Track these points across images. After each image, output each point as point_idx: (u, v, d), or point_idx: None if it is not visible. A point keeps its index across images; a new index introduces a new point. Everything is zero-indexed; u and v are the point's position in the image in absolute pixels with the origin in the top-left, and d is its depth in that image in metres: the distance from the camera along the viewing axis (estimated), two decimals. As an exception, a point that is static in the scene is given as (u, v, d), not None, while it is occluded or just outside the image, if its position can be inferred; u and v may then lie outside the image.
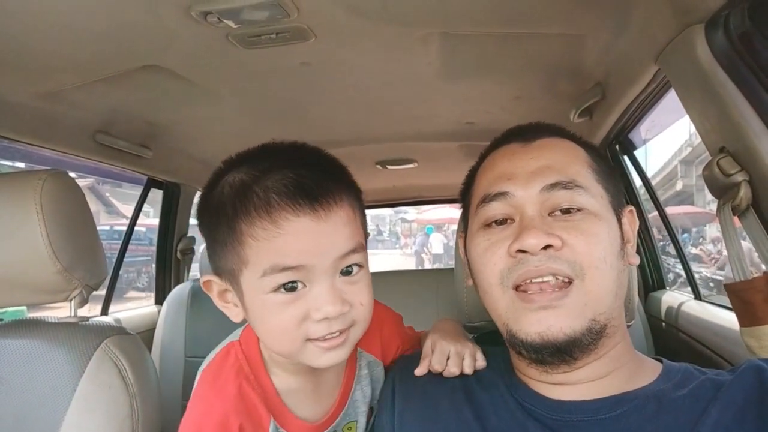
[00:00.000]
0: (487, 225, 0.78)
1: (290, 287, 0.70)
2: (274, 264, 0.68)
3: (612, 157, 1.83)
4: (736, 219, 0.89)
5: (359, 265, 0.74)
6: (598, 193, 0.75)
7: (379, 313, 0.91)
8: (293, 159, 0.74)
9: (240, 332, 0.87)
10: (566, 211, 0.73)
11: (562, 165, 0.76)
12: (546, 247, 0.70)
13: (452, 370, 0.85)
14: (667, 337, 1.65)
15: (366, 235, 0.79)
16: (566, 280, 0.70)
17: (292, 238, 0.68)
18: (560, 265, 0.69)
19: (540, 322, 0.69)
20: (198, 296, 2.15)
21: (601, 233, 0.72)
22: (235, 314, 0.77)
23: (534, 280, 0.70)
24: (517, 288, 0.72)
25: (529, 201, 0.74)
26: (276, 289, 0.69)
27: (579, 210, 0.73)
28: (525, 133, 0.83)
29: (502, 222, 0.76)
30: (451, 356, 0.86)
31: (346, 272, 0.73)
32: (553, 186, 0.74)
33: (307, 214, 0.68)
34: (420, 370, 0.86)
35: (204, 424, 0.76)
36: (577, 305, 0.69)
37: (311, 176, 0.70)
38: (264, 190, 0.69)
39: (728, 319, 1.30)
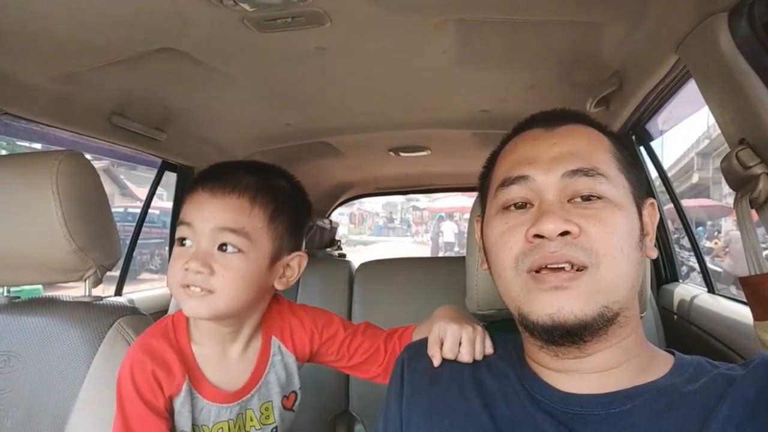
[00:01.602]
0: (506, 208, 0.77)
1: (182, 243, 0.95)
2: (180, 219, 0.96)
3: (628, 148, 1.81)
4: (753, 212, 0.87)
5: (237, 249, 0.93)
6: (620, 183, 0.74)
7: (292, 311, 1.11)
8: (234, 165, 1.02)
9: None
10: (586, 199, 0.72)
11: (585, 152, 0.75)
12: (564, 233, 0.69)
13: (465, 358, 0.84)
14: (679, 330, 1.64)
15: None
16: (581, 268, 0.69)
17: (194, 204, 0.96)
18: (576, 253, 0.68)
19: (552, 303, 0.68)
20: (210, 279, 2.17)
21: (620, 223, 0.71)
22: None
23: (549, 266, 0.69)
24: (530, 272, 0.71)
25: (549, 186, 0.73)
26: (177, 242, 0.96)
27: (599, 198, 0.72)
28: (548, 119, 0.82)
29: (521, 206, 0.75)
30: (463, 342, 0.86)
31: (223, 248, 0.92)
32: (575, 172, 0.72)
33: (207, 191, 0.95)
34: (437, 361, 0.86)
35: (124, 367, 0.95)
36: (589, 290, 0.68)
37: (223, 171, 0.99)
38: (197, 181, 1.00)
39: (742, 312, 1.29)
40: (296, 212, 1.04)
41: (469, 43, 1.30)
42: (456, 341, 0.86)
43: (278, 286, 1.03)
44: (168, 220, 2.56)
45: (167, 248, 2.57)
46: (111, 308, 1.10)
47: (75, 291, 1.22)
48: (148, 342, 0.98)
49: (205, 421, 0.98)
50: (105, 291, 1.75)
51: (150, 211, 2.42)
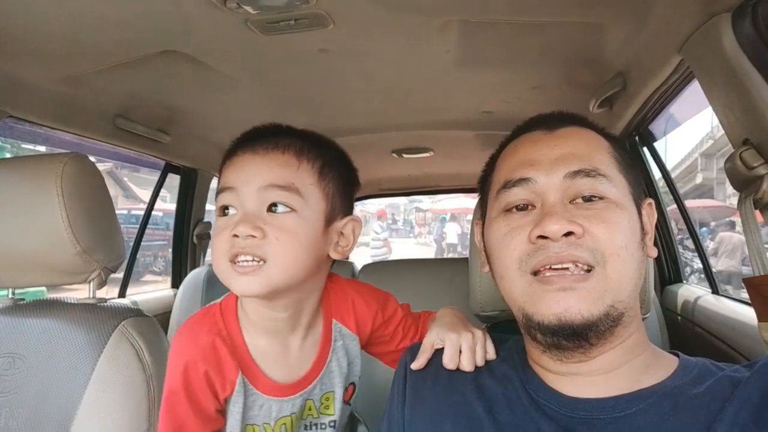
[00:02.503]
0: (507, 210, 0.77)
1: (225, 213, 0.85)
2: (221, 186, 0.86)
3: (631, 149, 1.81)
4: (757, 213, 0.87)
5: (289, 208, 0.83)
6: (620, 183, 0.74)
7: (353, 288, 1.02)
8: (267, 127, 0.93)
9: (223, 297, 0.96)
10: (588, 200, 0.72)
11: (586, 153, 0.75)
12: (567, 234, 0.69)
13: (467, 368, 0.83)
14: (683, 331, 1.64)
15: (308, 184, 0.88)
16: (587, 267, 0.69)
17: (234, 167, 0.86)
18: (581, 253, 0.69)
19: (558, 303, 0.68)
20: (213, 281, 2.17)
21: (623, 222, 0.71)
22: None
23: (554, 266, 0.69)
24: (535, 273, 0.71)
25: (551, 187, 0.73)
26: (220, 213, 0.86)
27: (601, 198, 0.72)
28: (548, 122, 0.82)
29: (522, 208, 0.75)
30: (463, 351, 0.84)
31: (272, 210, 0.83)
32: (576, 173, 0.73)
33: (248, 151, 0.86)
34: (416, 365, 0.85)
35: (173, 367, 0.87)
36: (596, 290, 0.68)
37: (261, 132, 0.90)
38: (235, 144, 0.90)
39: (745, 314, 1.29)
40: (346, 171, 0.94)
41: (472, 44, 1.30)
42: (455, 350, 0.85)
43: (334, 255, 0.92)
44: (171, 222, 2.57)
45: (170, 250, 2.58)
46: (115, 310, 1.11)
47: (78, 293, 1.22)
48: (198, 337, 0.88)
49: (266, 418, 0.91)
50: (108, 293, 1.76)
51: (153, 213, 2.43)
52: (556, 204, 0.72)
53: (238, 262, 0.81)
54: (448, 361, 0.84)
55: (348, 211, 0.94)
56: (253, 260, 0.81)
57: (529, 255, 0.72)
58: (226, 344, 0.88)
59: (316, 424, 0.98)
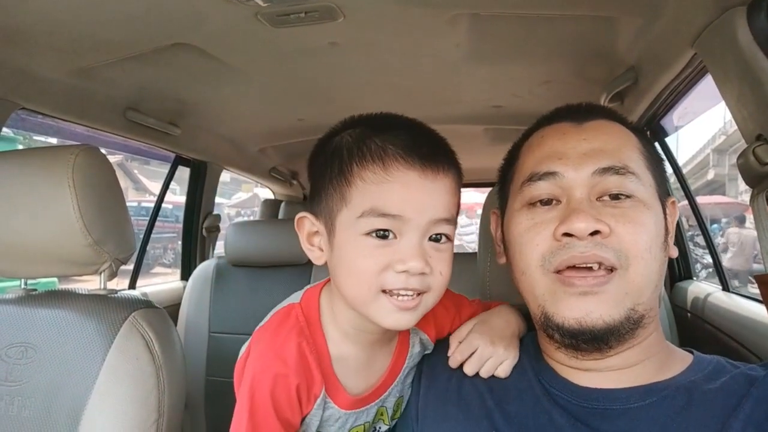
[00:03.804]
0: (532, 204, 0.75)
1: (382, 234, 0.71)
2: (374, 207, 0.70)
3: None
4: (770, 209, 0.86)
5: (448, 238, 0.75)
6: (647, 181, 0.73)
7: None
8: (412, 126, 0.78)
9: (300, 295, 0.87)
10: (615, 197, 0.71)
11: (615, 149, 0.73)
12: (594, 233, 0.68)
13: (466, 369, 0.82)
14: (693, 328, 1.63)
15: (457, 212, 0.80)
16: (610, 268, 0.68)
17: (399, 187, 0.71)
18: (606, 253, 0.67)
19: (580, 307, 0.68)
20: (222, 273, 2.18)
21: (649, 223, 0.70)
22: (317, 257, 0.80)
23: (578, 266, 0.68)
24: (558, 272, 0.70)
25: (579, 183, 0.72)
26: (369, 233, 0.71)
27: (628, 197, 0.70)
28: (576, 113, 0.80)
29: (547, 202, 0.74)
30: (474, 355, 0.83)
31: (435, 239, 0.74)
32: (606, 170, 0.71)
33: (417, 170, 0.71)
34: (454, 362, 0.84)
35: (262, 381, 0.77)
36: (618, 293, 0.67)
37: (426, 142, 0.75)
38: (382, 140, 0.73)
39: (757, 311, 1.28)
40: None
41: (482, 37, 1.29)
42: (481, 363, 0.82)
43: None
44: (181, 214, 2.59)
45: (180, 242, 2.60)
46: (126, 301, 1.12)
47: (89, 284, 1.23)
48: (287, 346, 0.79)
49: (340, 430, 0.85)
50: (119, 284, 1.78)
51: (163, 205, 2.45)
52: (583, 201, 0.71)
53: (399, 295, 0.72)
54: (458, 354, 0.84)
55: None
56: (414, 295, 0.73)
57: (552, 253, 0.70)
58: (311, 353, 0.80)
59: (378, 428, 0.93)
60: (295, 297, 0.87)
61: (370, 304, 0.73)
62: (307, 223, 0.80)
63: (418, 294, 0.73)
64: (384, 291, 0.72)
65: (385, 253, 0.71)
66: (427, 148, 0.74)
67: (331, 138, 0.79)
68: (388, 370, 0.87)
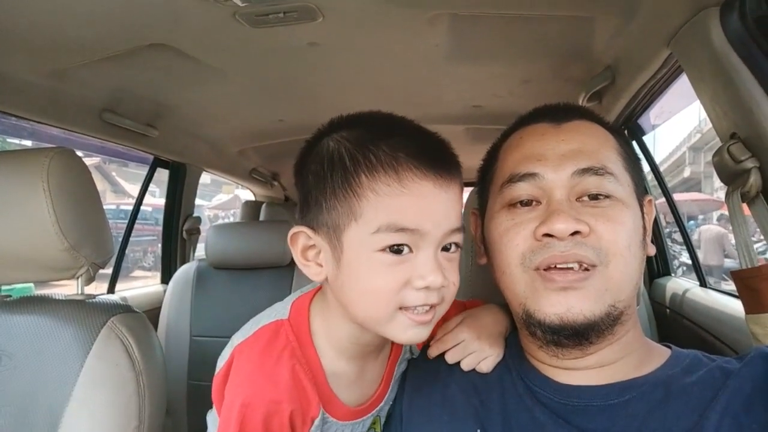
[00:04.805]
0: (512, 205, 0.76)
1: (396, 250, 0.67)
2: (391, 222, 0.65)
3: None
4: (744, 206, 0.88)
5: (458, 245, 0.72)
6: (625, 181, 0.74)
7: None
8: (417, 130, 0.73)
9: (288, 309, 0.81)
10: (594, 197, 0.72)
11: (593, 150, 0.74)
12: (574, 233, 0.69)
13: (447, 357, 0.83)
14: (671, 324, 1.65)
15: None
16: (589, 266, 0.69)
17: (416, 200, 0.66)
18: (586, 252, 0.68)
19: (561, 303, 0.69)
20: (203, 276, 2.16)
21: (628, 222, 0.71)
22: (314, 273, 0.74)
23: (558, 265, 0.69)
24: (537, 270, 0.71)
25: (558, 184, 0.72)
26: (383, 249, 0.66)
27: (607, 197, 0.71)
28: (554, 114, 0.80)
29: (527, 203, 0.75)
30: (459, 346, 0.83)
31: (446, 248, 0.70)
32: (585, 171, 0.72)
33: (431, 180, 0.67)
34: (433, 351, 0.85)
35: (254, 408, 0.72)
36: (597, 289, 0.68)
37: (435, 148, 0.71)
38: (391, 147, 0.67)
39: (733, 306, 1.30)
40: None
41: (461, 37, 1.30)
42: (464, 354, 0.83)
43: None
44: (161, 217, 2.56)
45: (159, 245, 2.57)
46: (104, 306, 1.10)
47: (67, 289, 1.21)
48: (280, 371, 0.74)
49: None
50: (97, 289, 1.75)
51: (142, 208, 2.42)
52: (563, 201, 0.71)
53: (415, 310, 0.69)
54: (450, 358, 0.83)
55: None
56: (430, 309, 0.70)
57: (533, 252, 0.71)
58: (306, 374, 0.75)
59: None
60: (282, 309, 0.82)
61: (387, 322, 0.69)
62: (301, 239, 0.73)
63: (431, 306, 0.70)
64: (400, 308, 0.68)
65: (402, 269, 0.67)
66: (437, 154, 0.70)
67: (320, 140, 0.73)
68: (384, 379, 0.85)
